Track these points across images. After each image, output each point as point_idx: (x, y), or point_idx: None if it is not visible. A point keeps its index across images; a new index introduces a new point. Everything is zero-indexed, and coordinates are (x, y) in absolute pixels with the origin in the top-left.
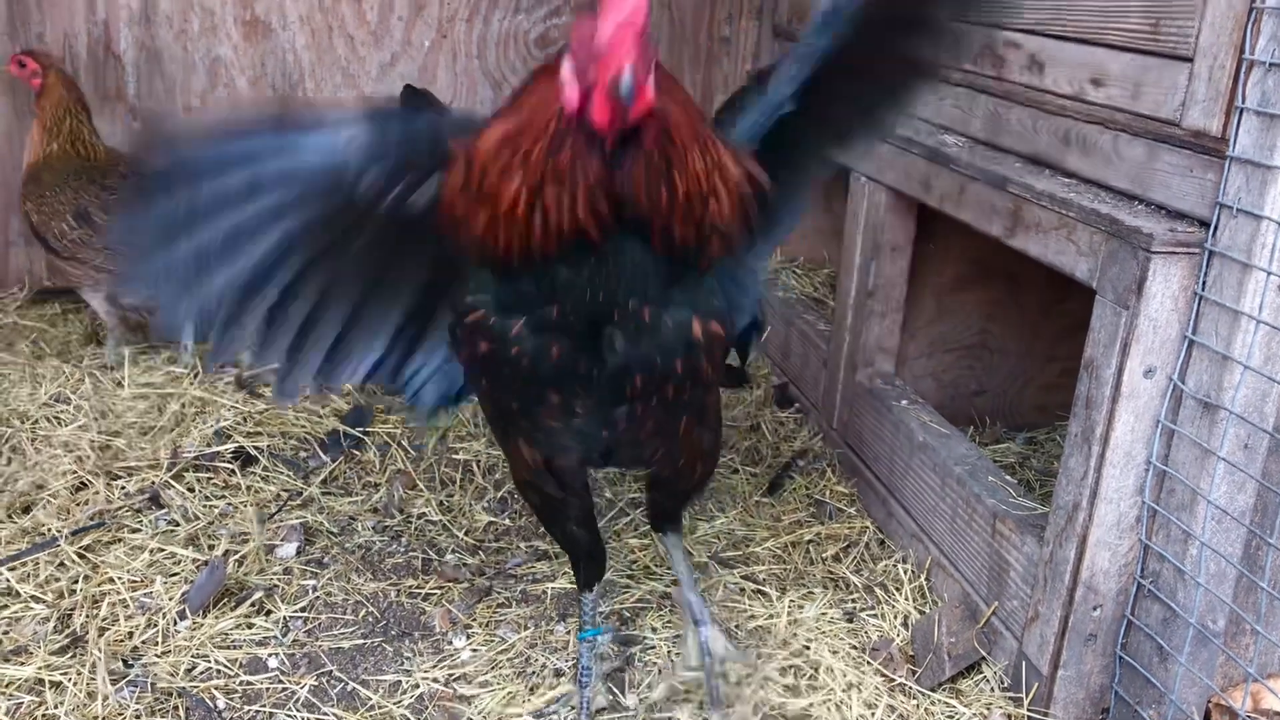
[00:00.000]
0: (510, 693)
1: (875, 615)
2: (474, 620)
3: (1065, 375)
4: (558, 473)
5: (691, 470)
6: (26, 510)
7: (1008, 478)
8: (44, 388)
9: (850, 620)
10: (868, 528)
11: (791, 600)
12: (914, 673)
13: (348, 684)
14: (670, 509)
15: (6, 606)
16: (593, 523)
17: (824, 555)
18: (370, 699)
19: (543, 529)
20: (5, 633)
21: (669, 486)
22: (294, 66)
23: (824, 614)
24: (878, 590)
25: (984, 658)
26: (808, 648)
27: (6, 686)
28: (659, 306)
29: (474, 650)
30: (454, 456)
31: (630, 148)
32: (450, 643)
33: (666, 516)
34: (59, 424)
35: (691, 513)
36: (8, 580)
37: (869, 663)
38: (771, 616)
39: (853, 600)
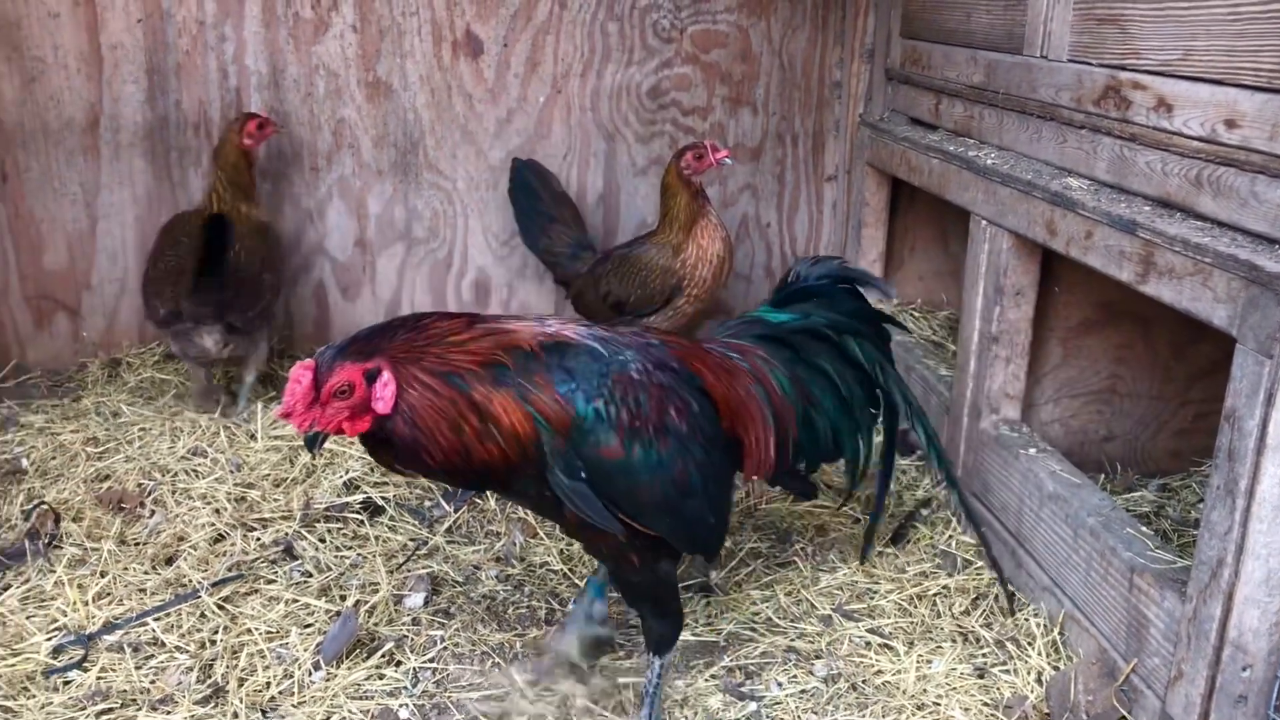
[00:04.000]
0: None
1: (1007, 671)
2: (596, 672)
3: (1200, 419)
4: None
5: (614, 563)
6: (169, 562)
7: (1144, 529)
8: (182, 441)
9: (981, 676)
10: (997, 580)
11: (919, 655)
12: None
13: None
14: (632, 606)
15: (153, 656)
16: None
17: (952, 608)
18: None
19: None
20: (153, 681)
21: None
22: (414, 125)
23: (954, 669)
24: (1009, 645)
25: (1124, 717)
26: (938, 704)
27: None
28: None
29: (594, 701)
30: None
31: (398, 443)
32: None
33: (638, 613)
34: (197, 477)
35: (813, 564)
36: (154, 631)
37: None
38: (899, 672)
39: (983, 655)
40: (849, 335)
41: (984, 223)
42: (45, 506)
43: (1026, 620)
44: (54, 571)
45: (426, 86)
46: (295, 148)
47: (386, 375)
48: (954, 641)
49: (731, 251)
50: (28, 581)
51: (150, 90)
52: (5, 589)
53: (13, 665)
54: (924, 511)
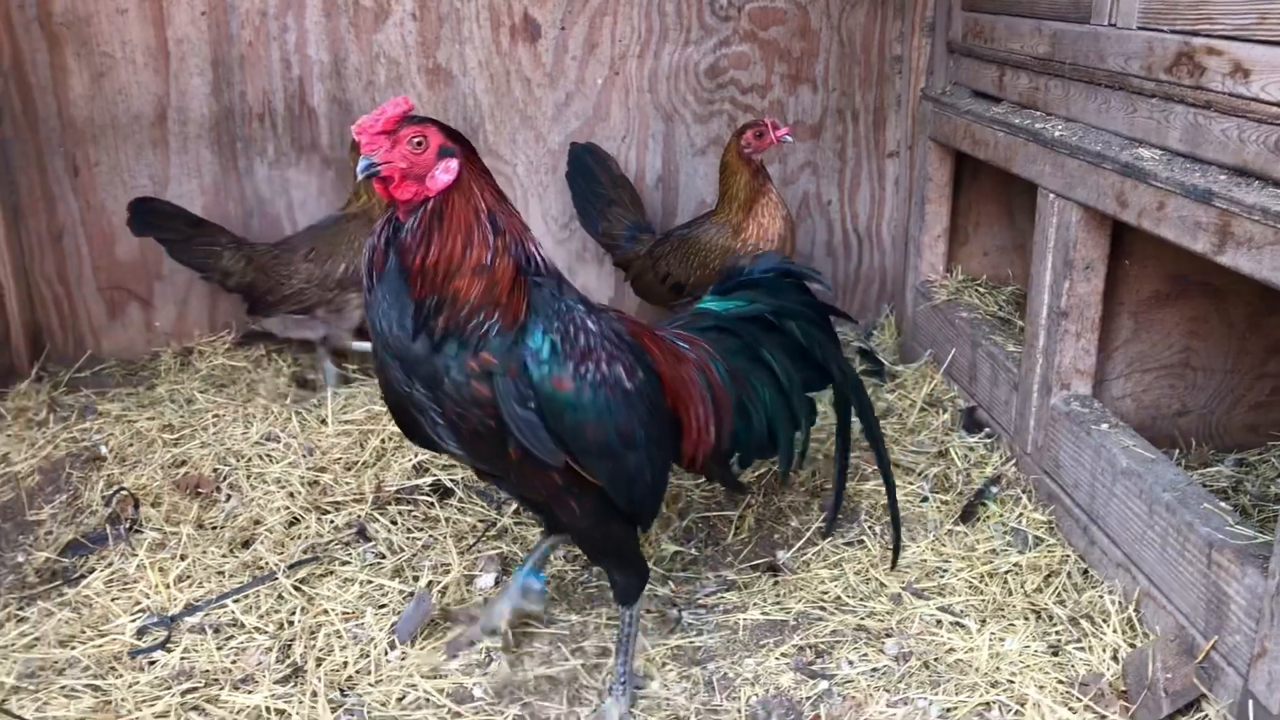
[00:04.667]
0: None
1: (1082, 648)
2: (667, 652)
3: (1277, 393)
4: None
5: (558, 509)
6: (246, 545)
7: (1222, 504)
8: (255, 427)
9: (1055, 654)
10: (1069, 557)
11: (992, 633)
12: (1128, 710)
13: (550, 714)
14: (595, 563)
15: (233, 637)
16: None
17: (1023, 585)
18: None
19: (729, 559)
20: (234, 661)
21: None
22: (474, 110)
23: (1027, 647)
24: (1083, 622)
25: (1204, 695)
26: (1012, 682)
27: (237, 714)
28: (435, 338)
29: (664, 684)
30: None
31: (413, 221)
32: (644, 674)
33: (604, 569)
34: (271, 461)
35: (880, 543)
36: (233, 612)
37: (1079, 699)
38: (971, 650)
39: (1057, 632)
40: (790, 319)
41: (1052, 196)
42: (125, 492)
43: (1100, 598)
44: (135, 555)
45: (485, 72)
46: None
47: (455, 164)
48: (1026, 619)
49: (794, 230)
50: (111, 565)
51: (215, 82)
52: (90, 572)
53: (100, 646)
54: (993, 489)
